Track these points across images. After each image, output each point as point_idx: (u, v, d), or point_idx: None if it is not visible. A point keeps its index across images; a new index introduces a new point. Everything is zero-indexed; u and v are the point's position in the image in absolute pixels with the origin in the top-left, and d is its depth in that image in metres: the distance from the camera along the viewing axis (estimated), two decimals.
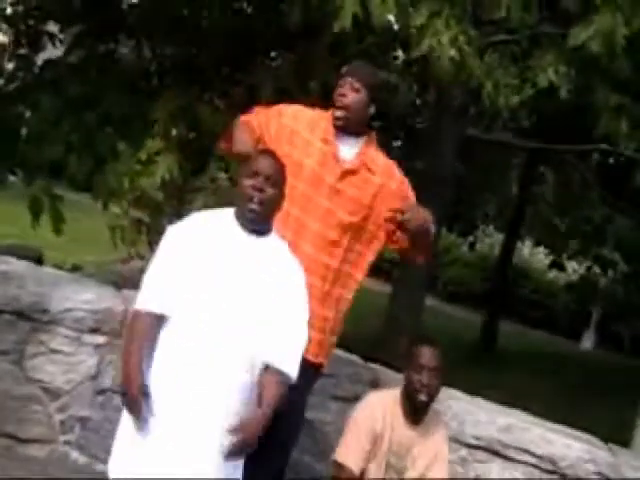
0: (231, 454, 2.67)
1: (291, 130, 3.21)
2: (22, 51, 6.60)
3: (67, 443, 3.84)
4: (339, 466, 3.28)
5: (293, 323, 2.81)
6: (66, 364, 3.81)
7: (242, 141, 3.15)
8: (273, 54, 6.66)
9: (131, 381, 2.67)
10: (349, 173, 3.20)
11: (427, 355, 3.28)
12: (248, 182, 2.78)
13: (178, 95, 5.58)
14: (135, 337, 2.73)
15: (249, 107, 3.40)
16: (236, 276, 2.75)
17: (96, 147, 5.36)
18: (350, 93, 3.17)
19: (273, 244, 2.86)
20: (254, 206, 2.77)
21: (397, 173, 3.32)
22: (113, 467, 2.80)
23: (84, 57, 6.28)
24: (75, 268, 7.28)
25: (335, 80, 3.25)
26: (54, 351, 3.80)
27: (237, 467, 2.81)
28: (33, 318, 3.79)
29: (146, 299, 2.75)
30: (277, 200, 2.84)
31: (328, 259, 3.17)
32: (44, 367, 3.80)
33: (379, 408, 3.31)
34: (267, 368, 2.74)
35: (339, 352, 4.17)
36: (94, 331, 3.83)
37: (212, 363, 2.69)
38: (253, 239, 2.80)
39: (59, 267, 6.07)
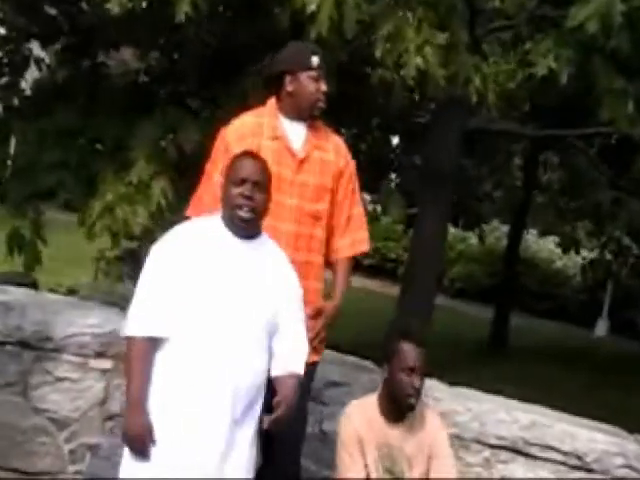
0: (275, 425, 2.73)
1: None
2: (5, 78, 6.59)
3: (78, 473, 3.81)
4: None
5: (297, 325, 2.89)
6: (73, 391, 3.79)
7: None
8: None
9: (135, 420, 2.69)
10: (304, 161, 3.25)
11: (416, 356, 3.19)
12: (236, 190, 2.78)
13: (168, 110, 5.57)
14: (134, 367, 2.72)
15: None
16: (235, 283, 2.77)
17: (89, 169, 5.34)
18: (326, 87, 3.26)
19: (265, 245, 2.89)
20: (245, 215, 2.78)
21: (345, 151, 3.39)
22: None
23: (70, 76, 6.26)
24: (71, 291, 7.25)
25: (298, 65, 3.24)
26: (60, 379, 3.78)
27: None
28: (37, 347, 3.77)
29: (139, 324, 2.74)
30: (266, 203, 2.86)
31: (307, 255, 3.21)
32: (50, 396, 3.79)
33: (357, 417, 3.24)
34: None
35: (352, 359, 4.16)
36: (100, 355, 3.82)
37: (223, 375, 2.71)
38: (246, 243, 2.82)
39: (54, 291, 6.04)
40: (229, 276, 2.76)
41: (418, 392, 3.20)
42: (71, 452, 3.81)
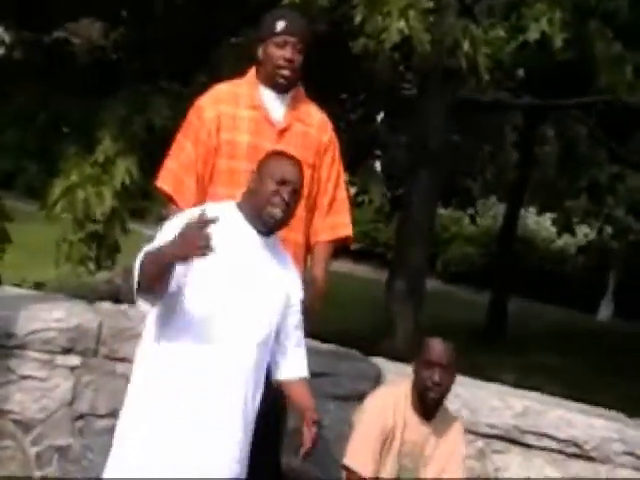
0: None
1: (216, 116, 3.25)
2: None
3: (45, 478, 3.80)
4: (348, 470, 3.29)
5: (298, 331, 2.98)
6: (38, 391, 3.79)
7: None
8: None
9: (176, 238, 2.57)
10: (285, 131, 3.28)
11: (439, 351, 3.29)
12: (274, 187, 2.80)
13: (135, 88, 5.56)
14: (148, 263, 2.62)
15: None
16: (249, 277, 2.82)
17: (51, 152, 5.35)
18: (296, 56, 3.24)
19: (277, 246, 2.96)
20: (277, 214, 2.82)
21: (330, 128, 3.42)
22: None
23: (29, 53, 6.24)
24: (38, 286, 7.21)
25: (265, 31, 3.25)
26: (24, 378, 3.78)
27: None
28: None
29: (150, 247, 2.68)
30: (294, 214, 2.93)
31: (284, 232, 3.17)
32: (14, 397, 3.77)
33: (390, 404, 3.32)
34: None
35: (335, 347, 4.20)
36: (67, 351, 3.82)
37: (224, 365, 2.77)
38: (263, 240, 2.87)
39: (18, 286, 6.03)
40: (244, 268, 2.81)
41: (439, 387, 3.28)
42: (38, 456, 3.80)
